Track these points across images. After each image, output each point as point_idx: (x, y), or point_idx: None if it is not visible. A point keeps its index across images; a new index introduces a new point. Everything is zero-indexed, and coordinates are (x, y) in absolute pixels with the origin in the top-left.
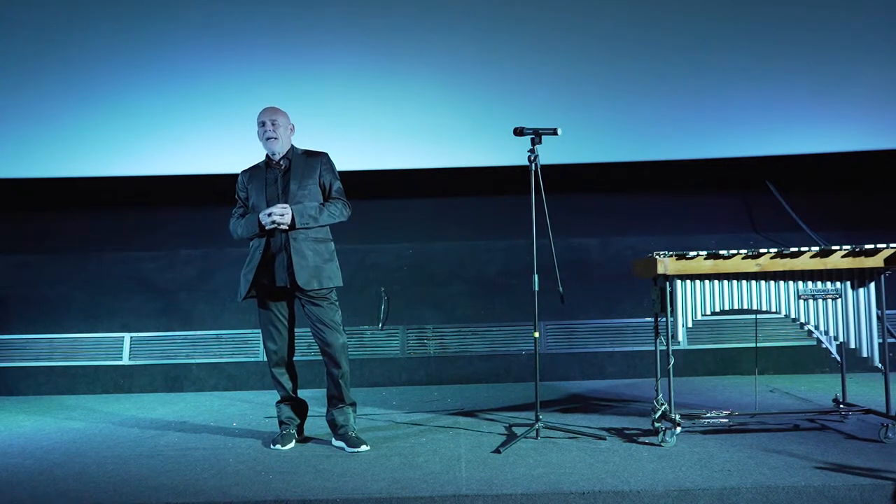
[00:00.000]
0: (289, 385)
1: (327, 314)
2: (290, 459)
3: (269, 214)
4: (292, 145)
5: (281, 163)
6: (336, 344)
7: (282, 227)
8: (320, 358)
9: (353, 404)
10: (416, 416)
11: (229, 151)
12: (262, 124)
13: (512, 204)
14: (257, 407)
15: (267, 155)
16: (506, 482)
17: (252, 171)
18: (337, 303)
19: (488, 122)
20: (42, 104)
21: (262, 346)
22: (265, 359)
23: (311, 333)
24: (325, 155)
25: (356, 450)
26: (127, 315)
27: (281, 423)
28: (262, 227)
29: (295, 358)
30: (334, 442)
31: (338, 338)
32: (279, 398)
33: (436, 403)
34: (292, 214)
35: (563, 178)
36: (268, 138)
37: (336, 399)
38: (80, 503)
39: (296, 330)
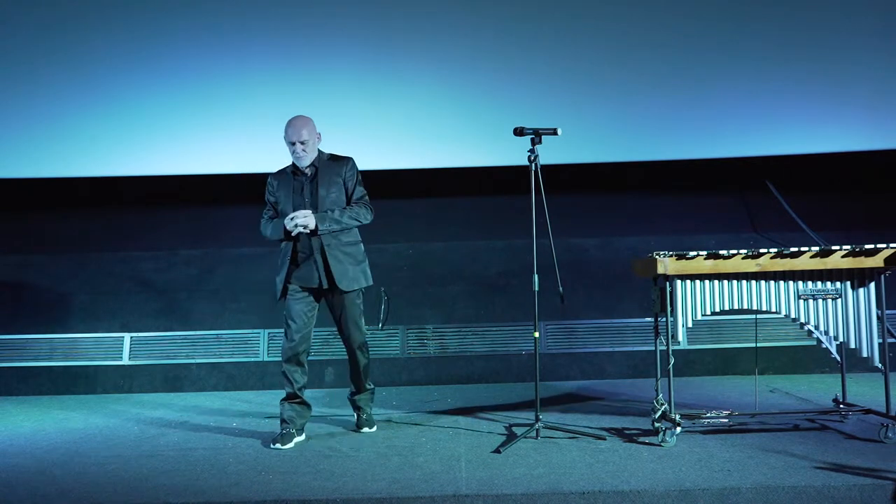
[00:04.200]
0: (298, 382)
1: (357, 313)
2: (290, 459)
3: (292, 219)
4: (319, 150)
5: (307, 170)
6: (362, 341)
7: (307, 229)
8: (320, 359)
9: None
10: (416, 416)
11: (229, 152)
12: (291, 144)
13: (512, 204)
14: (257, 407)
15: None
16: (506, 482)
17: (280, 177)
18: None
19: (488, 122)
20: (42, 104)
21: (263, 345)
22: (266, 358)
23: (337, 331)
24: (350, 160)
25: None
26: (127, 315)
27: (282, 421)
28: (287, 231)
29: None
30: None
31: (362, 335)
32: (285, 395)
33: (436, 403)
34: (315, 221)
35: (563, 178)
36: (297, 157)
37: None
38: (80, 503)
39: (314, 330)
